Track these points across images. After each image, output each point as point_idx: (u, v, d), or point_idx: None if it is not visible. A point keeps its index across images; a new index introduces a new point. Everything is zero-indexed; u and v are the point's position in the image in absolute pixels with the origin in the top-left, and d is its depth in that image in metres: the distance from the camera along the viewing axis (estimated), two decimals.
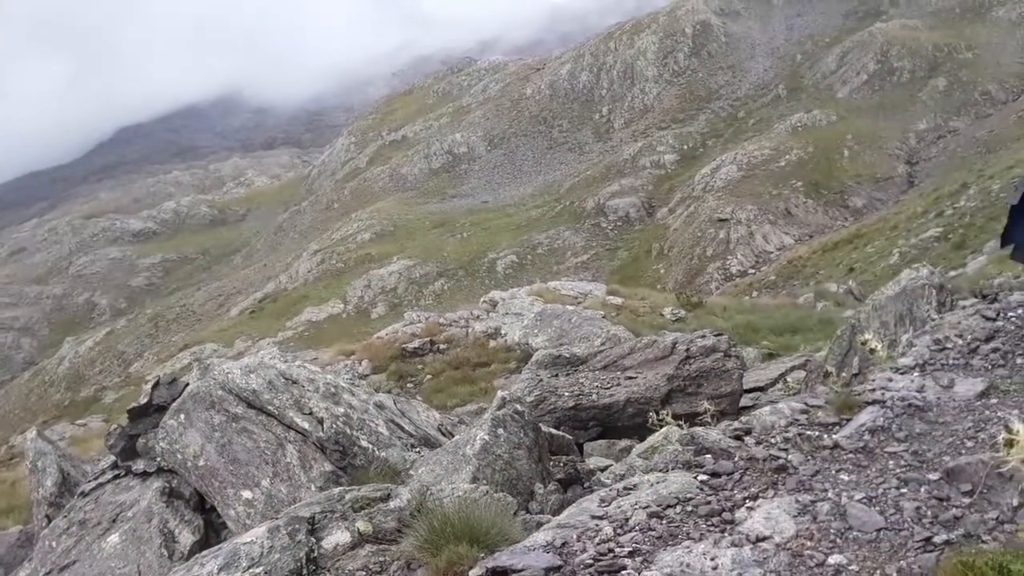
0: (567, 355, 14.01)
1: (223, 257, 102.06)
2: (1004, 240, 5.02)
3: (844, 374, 7.94)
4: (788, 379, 11.41)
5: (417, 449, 8.61)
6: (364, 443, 8.21)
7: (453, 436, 8.94)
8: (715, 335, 13.55)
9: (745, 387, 13.19)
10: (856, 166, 61.99)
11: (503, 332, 21.10)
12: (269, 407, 8.13)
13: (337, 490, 6.19)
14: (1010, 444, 2.42)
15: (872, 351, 7.36)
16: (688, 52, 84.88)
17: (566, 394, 13.04)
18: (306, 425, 8.10)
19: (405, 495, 5.76)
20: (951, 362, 5.03)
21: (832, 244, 47.86)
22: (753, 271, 51.17)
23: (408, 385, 18.83)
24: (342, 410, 8.43)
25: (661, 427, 8.69)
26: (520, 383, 13.59)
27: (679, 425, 8.69)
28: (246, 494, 7.86)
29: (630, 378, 13.29)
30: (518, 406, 8.19)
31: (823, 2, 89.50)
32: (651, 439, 8.56)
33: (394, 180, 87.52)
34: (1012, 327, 5.51)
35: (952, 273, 24.43)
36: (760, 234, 55.34)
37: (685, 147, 73.95)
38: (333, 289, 64.80)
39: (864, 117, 66.86)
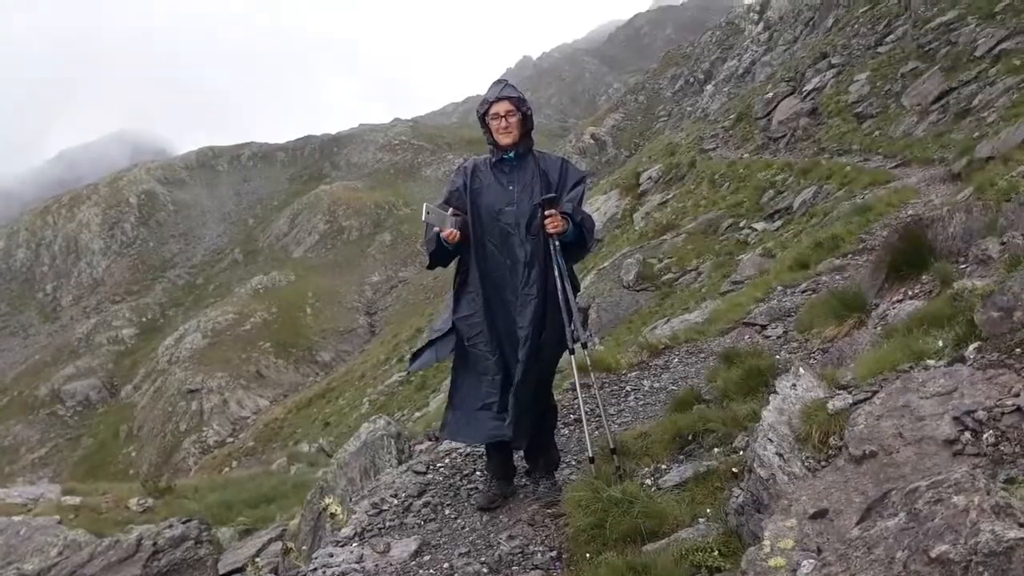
0: (14, 575, 12.15)
1: None
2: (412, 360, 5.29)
3: (306, 547, 7.72)
4: (258, 560, 10.90)
5: None
6: None
7: None
8: (184, 522, 12.70)
9: (224, 571, 12.46)
10: (320, 322, 64.55)
11: None
12: None
13: None
14: None
15: (333, 516, 7.25)
16: (136, 222, 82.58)
17: None
18: None
19: None
20: (387, 524, 5.02)
21: (306, 401, 48.68)
22: (231, 439, 49.88)
23: None
24: None
25: None
26: None
27: None
28: None
29: None
30: None
31: (268, 167, 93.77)
32: None
33: None
34: (441, 478, 5.74)
35: (417, 414, 25.95)
36: (234, 400, 54.44)
37: (144, 319, 70.92)
38: None
39: (322, 274, 70.34)
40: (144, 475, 36.74)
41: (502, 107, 4.81)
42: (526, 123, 4.88)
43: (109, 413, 60.13)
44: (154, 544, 12.13)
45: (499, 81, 5.01)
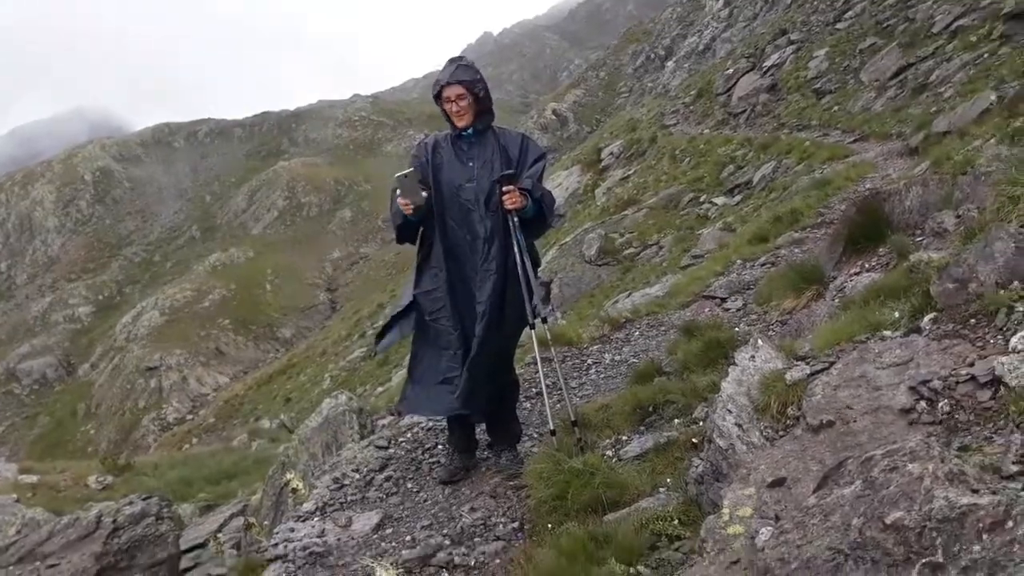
0: None
1: None
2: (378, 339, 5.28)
3: (268, 523, 7.69)
4: (220, 536, 10.83)
5: None
6: None
7: None
8: (143, 498, 12.63)
9: (186, 547, 12.41)
10: (280, 298, 64.00)
11: None
12: None
13: None
14: None
15: (294, 491, 7.21)
16: (91, 199, 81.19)
17: None
18: None
19: None
20: (349, 499, 5.01)
21: (267, 377, 48.36)
22: (191, 416, 49.48)
23: None
24: None
25: None
26: None
27: None
28: None
29: (52, 566, 11.80)
30: None
31: (225, 143, 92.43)
32: None
33: None
34: (403, 452, 5.73)
35: (380, 389, 25.89)
36: (193, 377, 53.95)
37: (100, 297, 69.92)
38: None
39: (281, 251, 69.65)
40: (103, 453, 36.37)
41: (452, 91, 4.78)
42: (480, 103, 4.85)
43: (66, 391, 59.38)
44: (114, 521, 12.01)
45: (453, 60, 4.95)
